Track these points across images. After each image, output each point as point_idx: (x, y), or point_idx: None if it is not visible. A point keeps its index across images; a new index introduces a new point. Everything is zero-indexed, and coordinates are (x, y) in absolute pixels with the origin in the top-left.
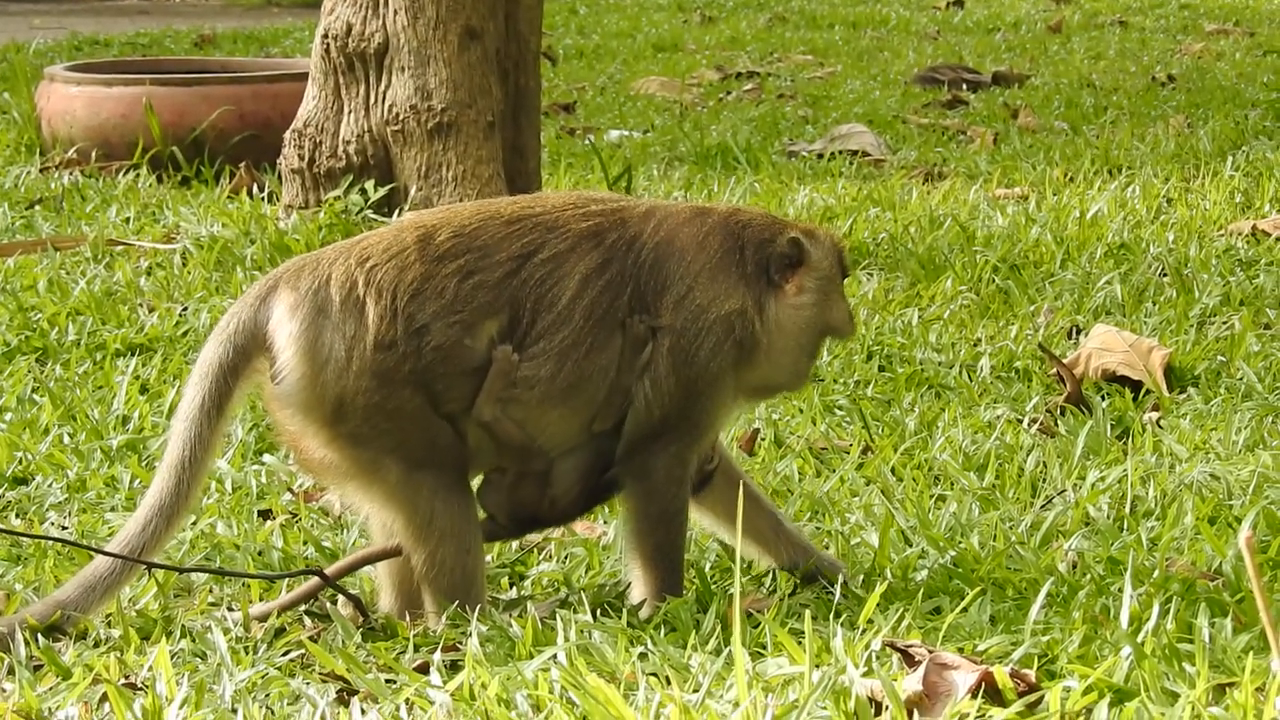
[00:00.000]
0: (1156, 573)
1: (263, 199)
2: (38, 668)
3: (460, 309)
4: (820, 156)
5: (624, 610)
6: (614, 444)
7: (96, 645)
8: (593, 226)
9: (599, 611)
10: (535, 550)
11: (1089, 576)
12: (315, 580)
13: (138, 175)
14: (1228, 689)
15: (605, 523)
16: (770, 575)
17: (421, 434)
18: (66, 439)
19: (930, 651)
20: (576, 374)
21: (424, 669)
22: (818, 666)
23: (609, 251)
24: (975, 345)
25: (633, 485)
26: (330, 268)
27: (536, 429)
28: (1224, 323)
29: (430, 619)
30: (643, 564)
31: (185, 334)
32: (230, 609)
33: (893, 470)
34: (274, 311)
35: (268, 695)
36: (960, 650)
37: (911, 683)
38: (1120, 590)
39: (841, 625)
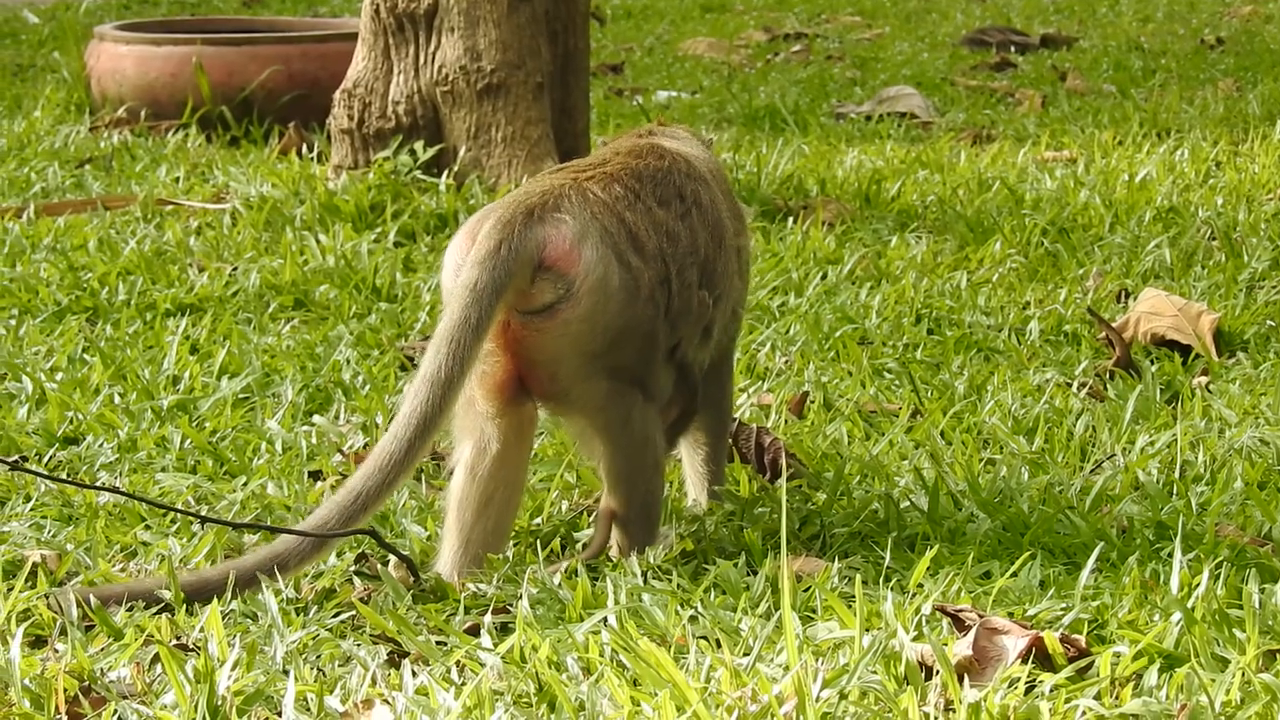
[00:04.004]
0: (1206, 538)
1: (311, 159)
2: (89, 628)
3: (691, 252)
4: (868, 118)
5: (674, 573)
6: None
7: (148, 606)
8: (684, 163)
9: (648, 575)
10: (586, 513)
11: (1138, 541)
12: None
13: (187, 135)
14: (1278, 654)
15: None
16: (820, 539)
17: (664, 371)
18: (117, 399)
19: (980, 616)
20: (731, 310)
21: (474, 631)
22: (868, 631)
23: (702, 180)
24: (1024, 309)
25: (712, 404)
26: (588, 205)
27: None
28: (1273, 287)
29: (623, 550)
30: (714, 460)
31: (235, 294)
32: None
33: (942, 434)
34: (553, 239)
35: (319, 656)
36: (1010, 615)
37: (962, 647)
38: (1170, 555)
39: (891, 589)
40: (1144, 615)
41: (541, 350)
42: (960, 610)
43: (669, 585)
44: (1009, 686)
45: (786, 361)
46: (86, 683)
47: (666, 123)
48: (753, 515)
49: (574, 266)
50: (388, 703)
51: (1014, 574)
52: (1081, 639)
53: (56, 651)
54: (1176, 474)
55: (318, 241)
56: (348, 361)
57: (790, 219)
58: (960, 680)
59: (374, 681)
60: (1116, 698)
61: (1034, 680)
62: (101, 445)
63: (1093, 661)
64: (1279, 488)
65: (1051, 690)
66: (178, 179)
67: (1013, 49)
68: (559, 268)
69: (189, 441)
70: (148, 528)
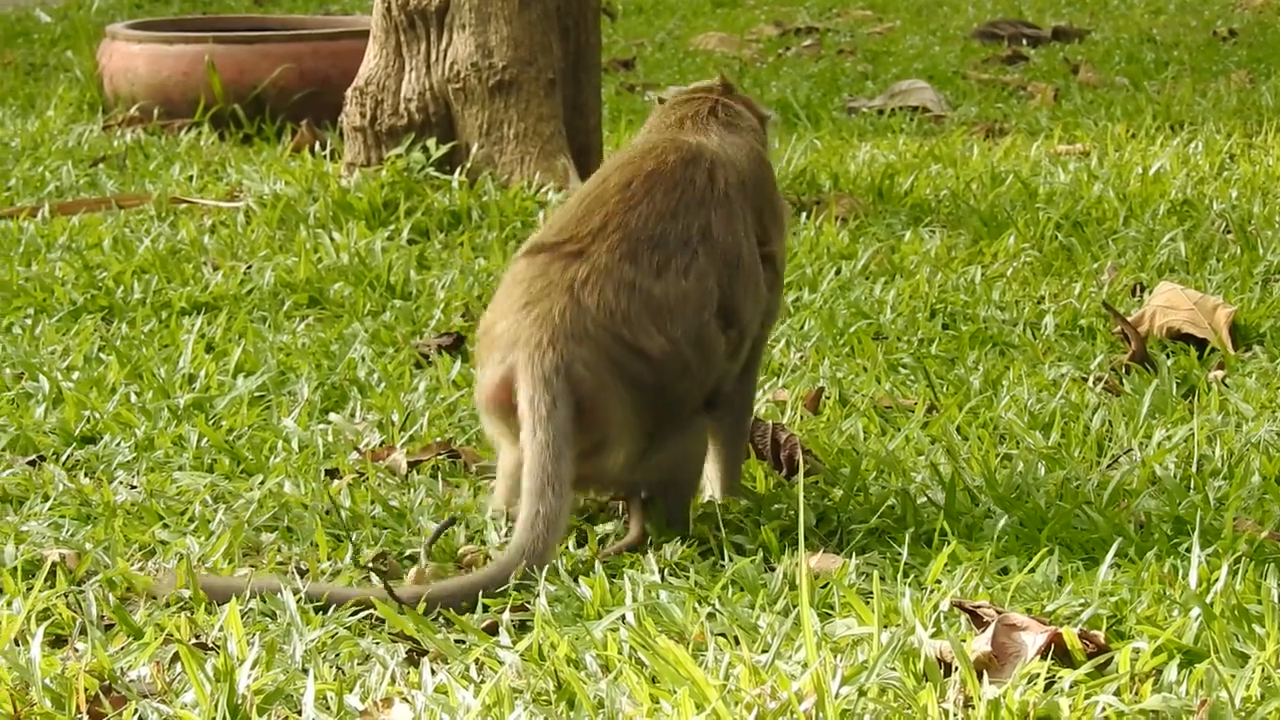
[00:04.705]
0: (1224, 532)
1: (324, 157)
2: (109, 627)
3: (703, 304)
4: (880, 113)
5: (691, 570)
6: None
7: (168, 605)
8: (703, 180)
9: (666, 572)
10: (603, 509)
11: (1156, 536)
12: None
13: (199, 133)
14: None
15: None
16: (837, 536)
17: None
18: (133, 398)
19: (999, 612)
20: (762, 317)
21: (493, 629)
22: (886, 627)
23: (718, 202)
24: (1039, 303)
25: (734, 403)
26: (592, 339)
27: None
28: None
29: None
30: (731, 459)
31: (250, 292)
32: (299, 569)
33: (958, 429)
34: (579, 397)
35: (338, 655)
36: (1028, 611)
37: (980, 643)
38: (1188, 550)
39: (909, 586)
40: (1163, 610)
41: (593, 472)
42: (978, 606)
43: (687, 582)
44: (1028, 683)
45: (801, 357)
46: (107, 682)
47: (732, 84)
48: (770, 512)
49: (600, 421)
50: (407, 701)
51: (1032, 569)
52: (1100, 635)
53: (77, 651)
54: (1194, 468)
55: (331, 239)
56: (363, 359)
57: (803, 214)
58: (979, 677)
59: (393, 680)
60: (1136, 694)
61: (1053, 676)
62: (119, 444)
63: (1112, 657)
64: None
65: (1071, 686)
66: (191, 177)
67: (1024, 42)
68: (588, 422)
69: (205, 440)
70: (166, 526)
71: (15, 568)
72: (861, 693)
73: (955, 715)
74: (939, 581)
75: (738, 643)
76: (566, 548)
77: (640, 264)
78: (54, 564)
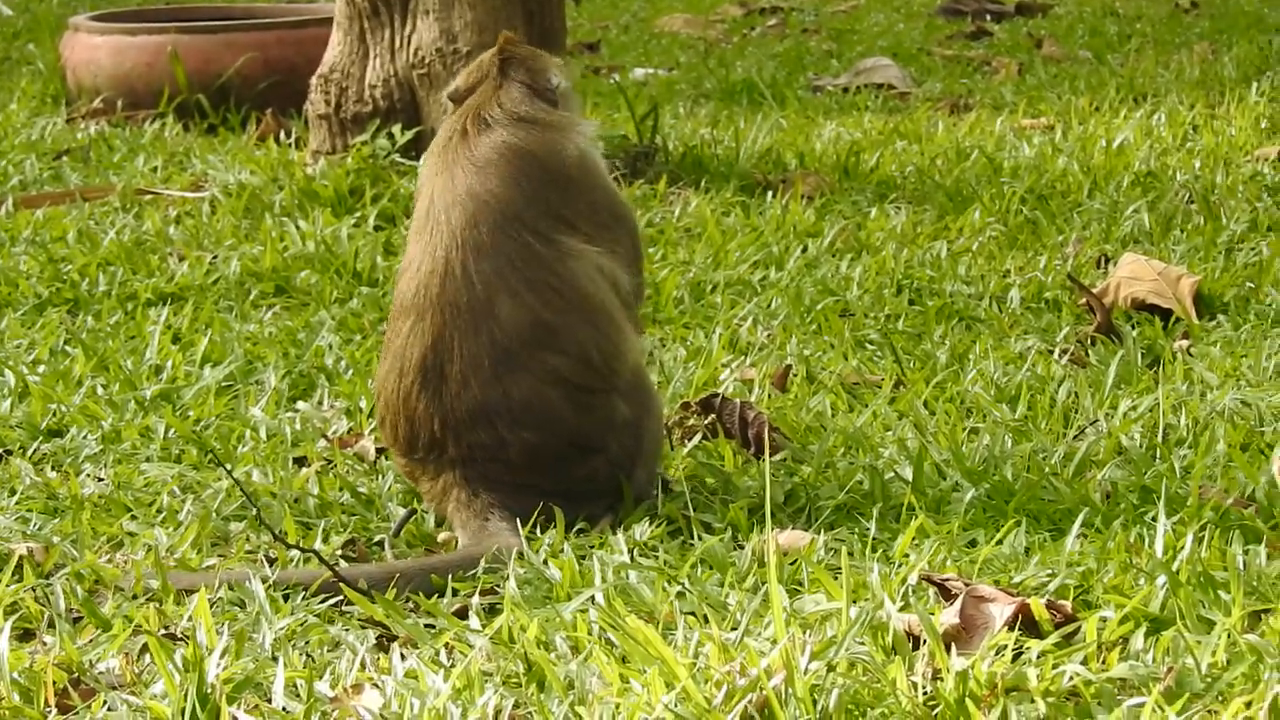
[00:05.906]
0: (1190, 501)
1: (289, 145)
2: (77, 620)
3: (549, 412)
4: (845, 91)
5: (660, 550)
6: None
7: (135, 597)
8: (468, 253)
9: (635, 552)
10: None
11: (1122, 506)
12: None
13: (164, 124)
14: (1263, 615)
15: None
16: (805, 512)
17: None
18: (100, 390)
19: (967, 585)
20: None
21: (462, 613)
22: (855, 602)
23: (479, 246)
24: (1004, 276)
25: None
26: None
27: None
28: (1252, 249)
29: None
30: None
31: (216, 282)
32: (268, 557)
33: (925, 404)
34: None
35: (307, 642)
36: (996, 583)
37: (949, 616)
38: (1154, 519)
39: (878, 560)
40: (1129, 579)
41: None
42: (946, 579)
43: (655, 562)
44: (996, 654)
45: (768, 335)
46: (75, 674)
47: (513, 51)
48: (738, 490)
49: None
50: (377, 686)
51: (999, 541)
52: (1067, 604)
53: (45, 644)
54: (1159, 438)
55: (297, 227)
56: (330, 347)
57: (769, 193)
58: (948, 649)
59: (363, 666)
60: (1103, 662)
61: (1021, 647)
62: (85, 437)
63: (1079, 627)
64: (1261, 449)
65: (1039, 657)
66: (156, 168)
67: (988, 17)
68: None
69: (173, 431)
70: (134, 518)
71: None
72: (830, 667)
73: (924, 688)
74: (907, 555)
75: (707, 621)
76: (533, 532)
77: (478, 354)
78: (21, 558)
